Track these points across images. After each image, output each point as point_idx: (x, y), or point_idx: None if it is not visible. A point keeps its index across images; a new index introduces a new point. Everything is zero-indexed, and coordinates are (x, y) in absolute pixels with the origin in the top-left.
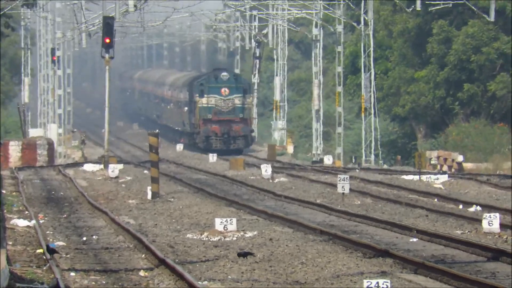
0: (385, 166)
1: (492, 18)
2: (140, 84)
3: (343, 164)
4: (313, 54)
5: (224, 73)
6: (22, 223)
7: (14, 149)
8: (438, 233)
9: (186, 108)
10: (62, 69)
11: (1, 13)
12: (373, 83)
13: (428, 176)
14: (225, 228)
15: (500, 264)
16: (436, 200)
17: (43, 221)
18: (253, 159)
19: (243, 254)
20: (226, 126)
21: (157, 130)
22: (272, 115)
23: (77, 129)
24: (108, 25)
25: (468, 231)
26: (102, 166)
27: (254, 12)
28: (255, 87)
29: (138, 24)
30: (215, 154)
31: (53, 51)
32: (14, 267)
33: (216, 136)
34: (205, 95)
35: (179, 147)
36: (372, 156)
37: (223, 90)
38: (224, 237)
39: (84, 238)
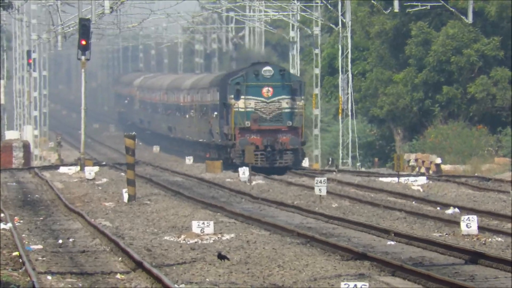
0: (363, 169)
1: (470, 19)
2: (142, 92)
3: (320, 166)
4: (290, 56)
5: (267, 68)
6: None
7: None
8: (416, 235)
9: (215, 114)
10: (38, 71)
11: None
12: (350, 84)
13: (406, 178)
14: (202, 231)
15: (478, 267)
16: (414, 202)
17: (19, 224)
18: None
19: (222, 257)
20: (270, 137)
21: (134, 132)
22: None
23: (53, 130)
24: (84, 27)
25: (446, 234)
26: (78, 168)
27: (231, 14)
28: None
29: (114, 26)
30: (191, 157)
31: (28, 53)
32: None
33: (257, 149)
34: (242, 97)
35: (155, 148)
36: (350, 158)
37: (265, 90)
38: (201, 240)
39: (61, 241)
